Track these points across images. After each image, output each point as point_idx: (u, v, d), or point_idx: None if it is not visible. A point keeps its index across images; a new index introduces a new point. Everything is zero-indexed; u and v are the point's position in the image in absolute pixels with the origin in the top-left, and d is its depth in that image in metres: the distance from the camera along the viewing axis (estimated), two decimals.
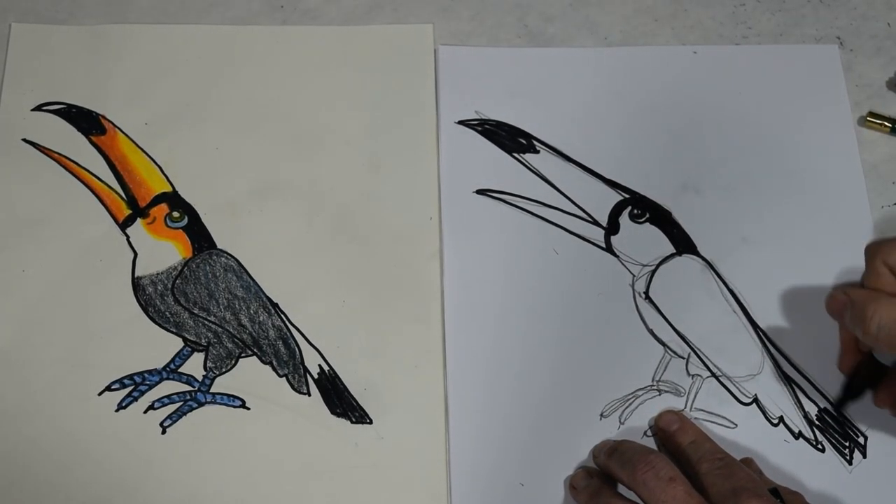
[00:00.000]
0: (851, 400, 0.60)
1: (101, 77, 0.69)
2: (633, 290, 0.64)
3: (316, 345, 0.62)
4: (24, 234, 0.64)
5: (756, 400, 0.61)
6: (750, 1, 0.74)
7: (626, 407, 0.61)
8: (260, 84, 0.69)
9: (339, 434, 0.60)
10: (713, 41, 0.72)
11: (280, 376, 0.61)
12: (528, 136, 0.68)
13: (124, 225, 0.65)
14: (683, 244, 0.65)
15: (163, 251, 0.64)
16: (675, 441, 0.58)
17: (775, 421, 0.61)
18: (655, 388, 0.62)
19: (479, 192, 0.66)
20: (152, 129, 0.67)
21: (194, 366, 0.61)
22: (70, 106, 0.68)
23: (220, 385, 0.61)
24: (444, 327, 0.62)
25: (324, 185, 0.66)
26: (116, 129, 0.67)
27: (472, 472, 0.59)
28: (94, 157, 0.66)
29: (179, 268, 0.64)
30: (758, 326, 0.63)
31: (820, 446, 0.60)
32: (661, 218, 0.66)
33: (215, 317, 0.62)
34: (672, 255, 0.65)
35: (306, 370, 0.61)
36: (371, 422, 0.60)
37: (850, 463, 0.60)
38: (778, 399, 0.61)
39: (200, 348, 0.62)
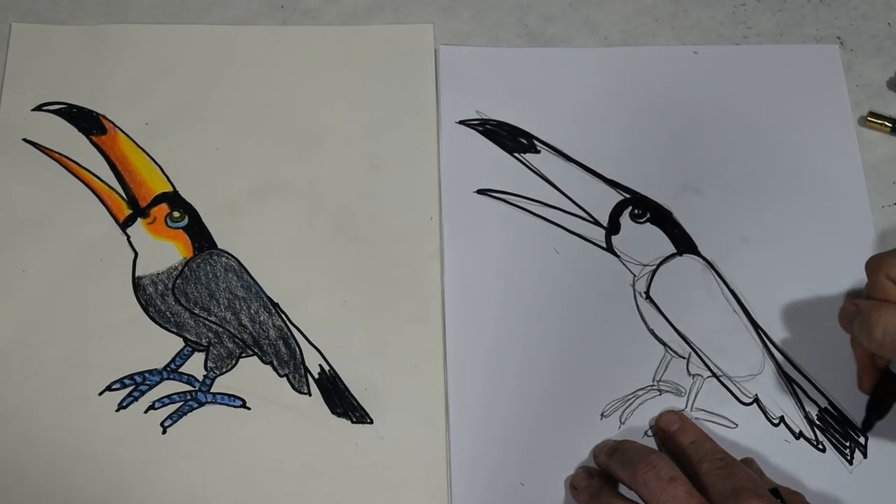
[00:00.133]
0: (878, 419, 0.60)
1: (102, 77, 0.69)
2: (634, 289, 0.64)
3: (316, 345, 0.62)
4: (24, 234, 0.64)
5: (757, 400, 0.61)
6: (750, 1, 0.74)
7: (627, 407, 0.61)
8: (260, 84, 0.69)
9: (339, 434, 0.60)
10: (713, 41, 0.72)
11: (280, 376, 0.61)
12: (529, 136, 0.68)
13: (125, 225, 0.65)
14: (684, 244, 0.65)
15: (163, 251, 0.64)
16: (676, 441, 0.58)
17: (776, 421, 0.61)
18: (656, 387, 0.62)
19: (480, 191, 0.66)
20: (153, 129, 0.67)
21: (195, 366, 0.61)
22: (70, 106, 0.68)
23: (220, 385, 0.61)
24: (444, 327, 0.62)
25: (324, 185, 0.66)
26: (117, 129, 0.67)
27: (473, 472, 0.59)
28: (94, 157, 0.66)
29: (180, 268, 0.64)
30: (758, 326, 0.63)
31: (821, 446, 0.60)
32: (661, 218, 0.66)
33: (216, 317, 0.62)
34: (673, 255, 0.65)
35: (307, 370, 0.61)
36: (371, 422, 0.60)
37: (850, 463, 0.60)
38: (779, 399, 0.61)
39: (201, 348, 0.62)
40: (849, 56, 0.72)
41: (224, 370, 0.61)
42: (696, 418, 0.61)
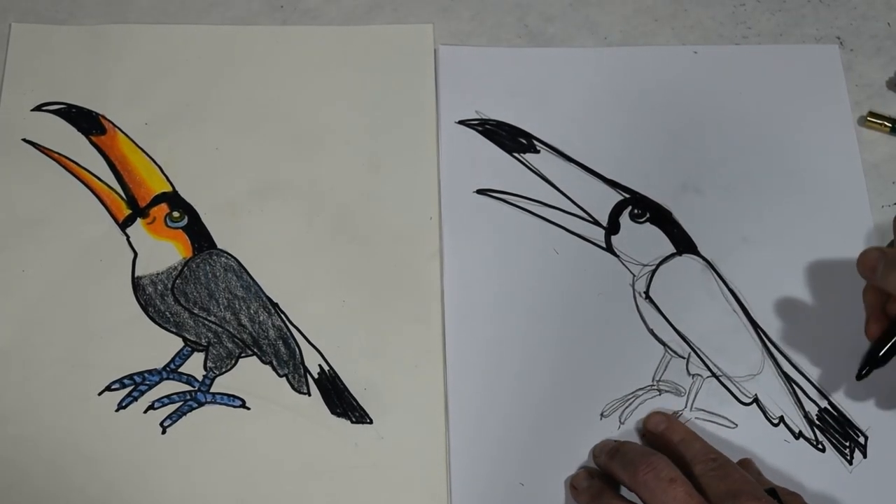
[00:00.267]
0: (875, 366, 0.57)
1: (101, 77, 0.69)
2: (634, 289, 0.64)
3: (316, 345, 0.62)
4: (24, 234, 0.64)
5: (756, 400, 0.61)
6: (750, 1, 0.74)
7: (627, 407, 0.61)
8: (260, 84, 0.69)
9: (339, 434, 0.60)
10: (713, 41, 0.72)
11: (280, 376, 0.61)
12: (529, 136, 0.68)
13: (124, 225, 0.65)
14: (684, 244, 0.65)
15: (163, 251, 0.64)
16: (665, 441, 0.58)
17: (775, 421, 0.61)
18: (656, 387, 0.62)
19: (480, 191, 0.66)
20: (152, 129, 0.67)
21: (194, 366, 0.61)
22: (70, 106, 0.68)
23: (220, 385, 0.61)
24: (444, 327, 0.62)
25: (324, 185, 0.66)
26: (116, 129, 0.67)
27: (472, 472, 0.59)
28: (94, 157, 0.66)
29: (179, 268, 0.64)
30: (758, 326, 0.63)
31: (820, 446, 0.60)
32: (661, 218, 0.66)
33: (215, 317, 0.62)
34: (672, 255, 0.65)
35: (306, 370, 0.61)
36: (371, 422, 0.60)
37: (850, 463, 0.60)
38: (778, 399, 0.61)
39: (200, 348, 0.62)
40: (849, 56, 0.72)
41: (223, 370, 0.61)
42: (696, 418, 0.61)
